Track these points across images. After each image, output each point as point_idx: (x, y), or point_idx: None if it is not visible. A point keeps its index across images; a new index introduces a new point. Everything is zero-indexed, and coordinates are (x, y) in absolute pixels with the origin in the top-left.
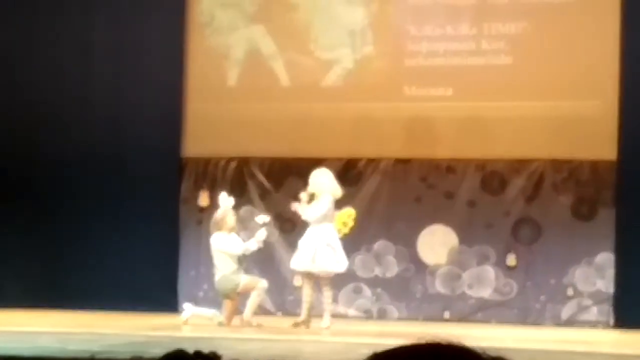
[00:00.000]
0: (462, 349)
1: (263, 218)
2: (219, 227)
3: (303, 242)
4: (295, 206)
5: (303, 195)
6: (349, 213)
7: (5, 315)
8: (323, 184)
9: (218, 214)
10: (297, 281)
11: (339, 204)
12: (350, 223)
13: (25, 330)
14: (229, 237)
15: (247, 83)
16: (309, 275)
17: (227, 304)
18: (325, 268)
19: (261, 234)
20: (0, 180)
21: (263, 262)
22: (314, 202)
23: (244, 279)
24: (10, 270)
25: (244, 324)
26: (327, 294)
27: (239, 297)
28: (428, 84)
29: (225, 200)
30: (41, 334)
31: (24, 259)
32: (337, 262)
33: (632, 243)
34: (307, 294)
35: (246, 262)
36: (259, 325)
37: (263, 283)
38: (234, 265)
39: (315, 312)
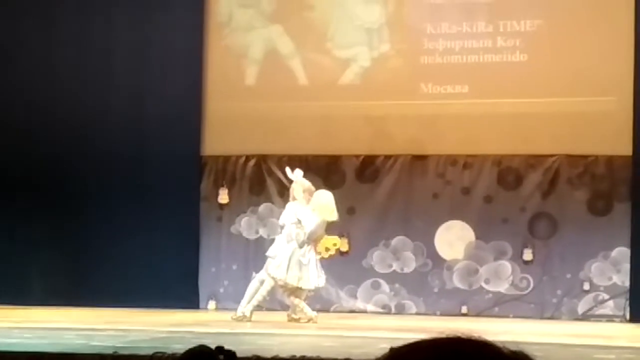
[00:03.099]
0: (482, 343)
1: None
2: (293, 198)
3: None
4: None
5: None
6: (334, 241)
7: (30, 312)
8: (321, 205)
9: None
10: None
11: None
12: (332, 251)
13: (49, 326)
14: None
15: (265, 82)
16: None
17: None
18: (293, 283)
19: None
20: (25, 179)
21: None
22: (310, 214)
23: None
24: (35, 268)
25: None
26: (296, 301)
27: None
28: (444, 81)
29: (296, 174)
30: (65, 330)
31: (48, 257)
32: (305, 280)
33: None
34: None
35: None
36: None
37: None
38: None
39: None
